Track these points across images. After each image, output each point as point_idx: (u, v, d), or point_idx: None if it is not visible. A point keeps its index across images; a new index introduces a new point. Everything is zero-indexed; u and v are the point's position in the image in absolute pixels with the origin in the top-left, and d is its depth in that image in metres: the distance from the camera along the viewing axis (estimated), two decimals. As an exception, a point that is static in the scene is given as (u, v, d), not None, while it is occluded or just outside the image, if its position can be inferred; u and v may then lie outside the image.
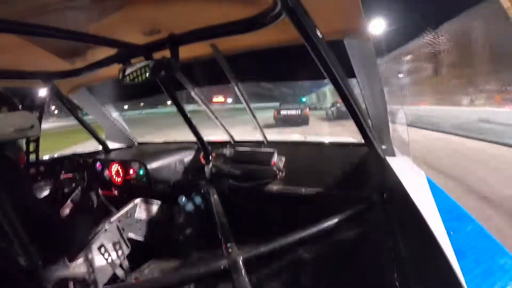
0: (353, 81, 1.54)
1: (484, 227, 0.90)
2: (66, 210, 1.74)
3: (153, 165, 2.35)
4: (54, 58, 1.68)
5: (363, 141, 1.73)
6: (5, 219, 1.07)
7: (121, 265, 1.92)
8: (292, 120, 16.97)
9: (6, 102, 1.31)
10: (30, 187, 1.29)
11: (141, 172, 2.32)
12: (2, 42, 1.35)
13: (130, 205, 2.10)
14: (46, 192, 2.19)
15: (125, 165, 2.41)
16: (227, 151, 2.38)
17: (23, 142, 1.83)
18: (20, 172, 1.25)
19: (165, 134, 13.08)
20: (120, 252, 1.92)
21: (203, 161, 2.42)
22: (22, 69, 1.88)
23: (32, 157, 2.35)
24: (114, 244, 1.91)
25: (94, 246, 1.78)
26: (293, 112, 17.24)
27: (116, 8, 1.16)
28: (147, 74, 1.36)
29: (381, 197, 1.68)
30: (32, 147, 2.30)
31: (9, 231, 1.09)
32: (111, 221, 1.94)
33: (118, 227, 1.96)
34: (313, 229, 1.63)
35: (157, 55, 1.46)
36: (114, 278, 1.84)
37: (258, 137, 2.48)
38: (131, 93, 2.64)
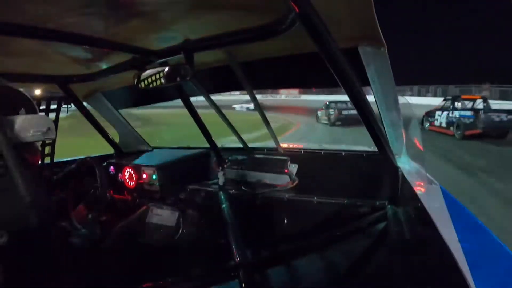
0: (367, 90, 1.53)
1: (498, 238, 0.88)
2: (79, 213, 1.76)
3: (166, 170, 2.36)
4: (70, 63, 1.71)
5: (376, 150, 1.72)
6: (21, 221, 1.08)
7: (132, 269, 1.93)
8: (352, 119, 16.17)
9: (25, 104, 1.33)
10: (44, 189, 1.30)
11: (154, 177, 2.33)
12: (21, 46, 1.39)
13: (142, 210, 2.11)
14: (59, 195, 2.21)
15: (138, 169, 2.43)
16: (240, 158, 2.38)
17: (38, 145, 1.86)
18: (35, 174, 1.26)
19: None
20: (131, 256, 1.93)
21: (216, 167, 2.42)
22: (39, 73, 1.91)
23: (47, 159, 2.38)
24: (125, 248, 1.93)
25: (106, 250, 1.80)
26: (354, 111, 16.51)
27: (132, 15, 1.18)
28: (162, 80, 1.38)
29: (395, 207, 1.65)
30: (47, 149, 2.34)
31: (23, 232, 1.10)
32: (123, 225, 1.96)
33: (130, 231, 1.98)
34: (325, 238, 1.62)
35: (172, 61, 1.47)
36: (125, 282, 1.85)
37: (271, 144, 2.48)
38: (146, 98, 2.66)
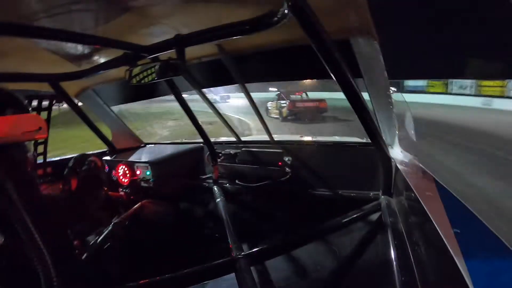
0: (359, 81, 1.53)
1: (491, 228, 0.89)
2: (74, 211, 1.75)
3: (160, 166, 2.35)
4: (61, 61, 1.69)
5: (370, 141, 1.72)
6: (15, 220, 1.08)
7: (128, 265, 1.93)
8: (309, 113, 14.59)
9: (16, 104, 1.32)
10: (37, 189, 1.29)
11: (148, 173, 2.33)
12: (11, 45, 1.37)
13: (137, 206, 2.11)
14: (53, 193, 2.20)
15: (132, 166, 2.42)
16: (234, 152, 2.38)
17: (31, 144, 1.84)
18: (27, 174, 1.25)
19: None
20: (126, 252, 1.93)
21: (210, 161, 2.42)
22: (30, 72, 1.89)
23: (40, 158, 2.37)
24: (120, 244, 1.93)
25: (101, 246, 1.80)
26: (310, 104, 15.05)
27: (122, 11, 1.16)
28: (154, 75, 1.37)
29: (388, 198, 1.67)
30: (40, 148, 2.32)
31: (19, 232, 1.10)
32: (118, 221, 1.95)
33: (125, 227, 1.97)
34: (319, 229, 1.63)
35: (164, 56, 1.46)
36: (120, 278, 1.85)
37: (264, 137, 2.48)
38: (137, 94, 2.65)
